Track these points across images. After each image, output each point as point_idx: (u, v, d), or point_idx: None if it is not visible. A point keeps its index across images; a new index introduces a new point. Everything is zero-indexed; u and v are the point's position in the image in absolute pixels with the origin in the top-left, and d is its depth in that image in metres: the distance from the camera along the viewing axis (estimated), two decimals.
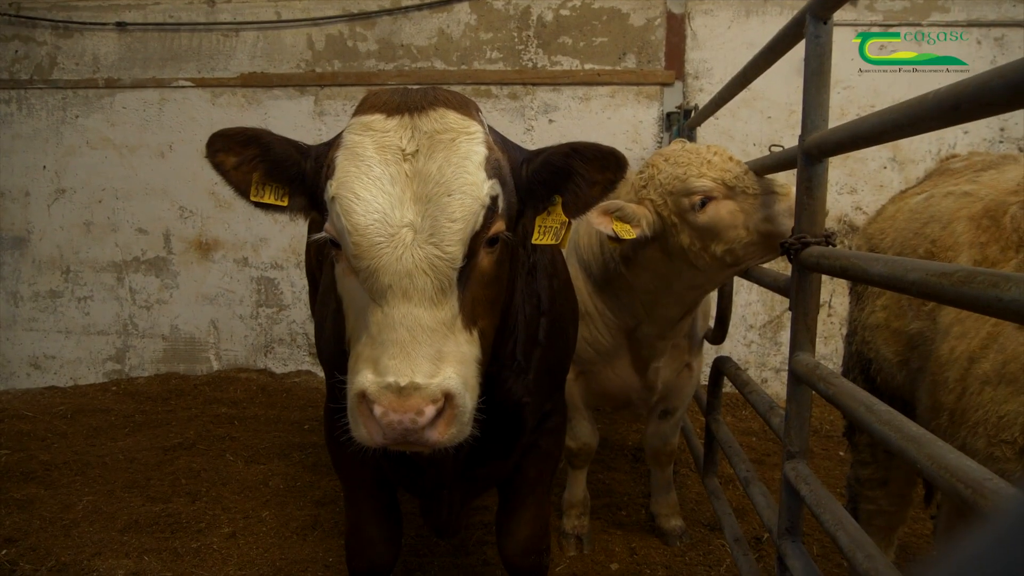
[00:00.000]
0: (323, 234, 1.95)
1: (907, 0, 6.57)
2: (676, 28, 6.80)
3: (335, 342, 2.57)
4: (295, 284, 7.30)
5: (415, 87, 2.07)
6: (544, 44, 6.97)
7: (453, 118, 1.93)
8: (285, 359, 7.45)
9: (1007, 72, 1.26)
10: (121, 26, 7.22)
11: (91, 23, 7.26)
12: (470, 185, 1.85)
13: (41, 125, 7.37)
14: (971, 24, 6.50)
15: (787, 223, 2.90)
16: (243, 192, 2.10)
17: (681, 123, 6.17)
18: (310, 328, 7.01)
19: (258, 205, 2.11)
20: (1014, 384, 1.95)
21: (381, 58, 7.10)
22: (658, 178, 3.19)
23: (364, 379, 1.78)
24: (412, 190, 1.83)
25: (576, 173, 2.11)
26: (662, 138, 6.80)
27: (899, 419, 1.75)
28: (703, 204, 3.06)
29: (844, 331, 6.85)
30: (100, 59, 7.31)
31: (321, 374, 7.11)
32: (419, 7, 7.01)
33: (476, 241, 1.89)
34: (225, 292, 7.42)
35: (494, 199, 1.91)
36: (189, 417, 6.28)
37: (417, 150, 1.86)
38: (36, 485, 4.95)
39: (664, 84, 6.83)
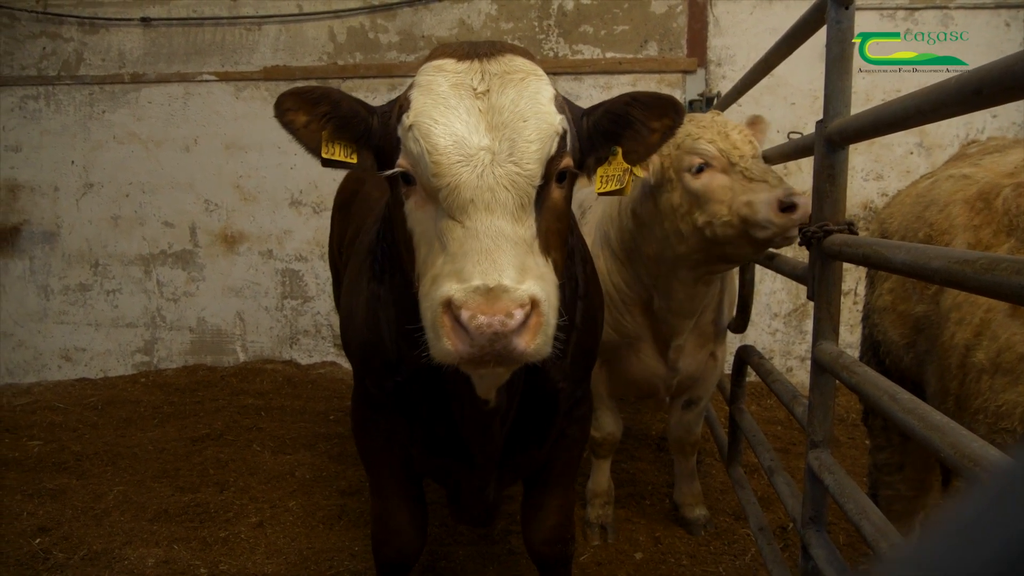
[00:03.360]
0: (396, 169, 1.97)
1: None
2: (698, 15, 6.74)
3: (368, 329, 2.58)
4: (319, 276, 7.35)
5: (481, 41, 2.12)
6: (565, 33, 6.94)
7: (521, 62, 1.98)
8: (310, 350, 7.51)
9: None
10: (146, 21, 7.29)
11: (116, 19, 7.33)
12: (544, 113, 1.90)
13: (69, 120, 7.46)
14: (999, 6, 6.39)
15: (766, 214, 2.90)
16: (314, 149, 2.13)
17: (703, 110, 6.12)
18: (335, 319, 7.06)
19: (327, 162, 2.14)
20: (1011, 374, 1.94)
21: (402, 49, 7.11)
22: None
23: (448, 288, 1.73)
24: (486, 121, 1.87)
25: (636, 120, 2.16)
26: None
27: (922, 408, 1.74)
28: (700, 169, 3.14)
29: None
30: (126, 54, 7.39)
31: (346, 365, 7.18)
32: None
33: (551, 167, 1.92)
34: (251, 284, 7.49)
35: (563, 134, 1.95)
36: (216, 408, 6.36)
37: (488, 89, 1.90)
38: (68, 475, 5.04)
39: (686, 71, 6.78)
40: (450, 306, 1.71)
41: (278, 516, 4.45)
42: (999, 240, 2.22)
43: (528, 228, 1.86)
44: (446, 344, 1.73)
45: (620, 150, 2.19)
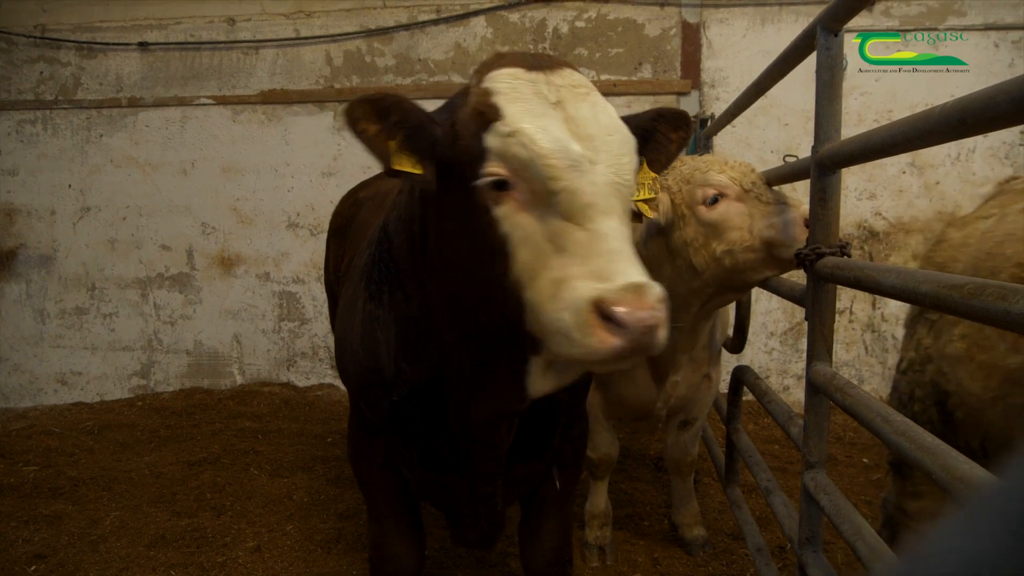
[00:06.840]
0: (489, 177, 1.92)
1: (923, 5, 6.55)
2: (691, 37, 6.80)
3: (364, 350, 2.58)
4: (316, 298, 7.36)
5: (534, 52, 2.20)
6: (560, 56, 6.98)
7: (578, 78, 2.05)
8: (307, 372, 7.51)
9: (1011, 88, 1.27)
10: (143, 46, 7.35)
11: (114, 44, 7.39)
12: (623, 129, 2.00)
13: (66, 144, 7.51)
14: (988, 28, 6.46)
15: (793, 232, 2.93)
16: (385, 159, 2.06)
17: (698, 132, 6.15)
18: (332, 342, 7.05)
19: (394, 173, 2.09)
20: None
21: (399, 73, 7.16)
22: (680, 168, 3.33)
23: (592, 287, 1.76)
24: (570, 130, 1.91)
25: (660, 133, 2.33)
26: None
27: (914, 429, 1.76)
28: (715, 200, 3.15)
29: (866, 337, 6.79)
30: (123, 79, 7.44)
31: (343, 387, 7.18)
32: (435, 22, 7.07)
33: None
34: (248, 307, 7.50)
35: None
36: (213, 431, 6.35)
37: (559, 100, 1.94)
38: (64, 501, 5.02)
39: (680, 93, 6.84)
40: (599, 304, 1.74)
41: (276, 540, 4.44)
42: None
43: (631, 233, 1.96)
44: (593, 342, 1.75)
45: (645, 160, 2.32)
